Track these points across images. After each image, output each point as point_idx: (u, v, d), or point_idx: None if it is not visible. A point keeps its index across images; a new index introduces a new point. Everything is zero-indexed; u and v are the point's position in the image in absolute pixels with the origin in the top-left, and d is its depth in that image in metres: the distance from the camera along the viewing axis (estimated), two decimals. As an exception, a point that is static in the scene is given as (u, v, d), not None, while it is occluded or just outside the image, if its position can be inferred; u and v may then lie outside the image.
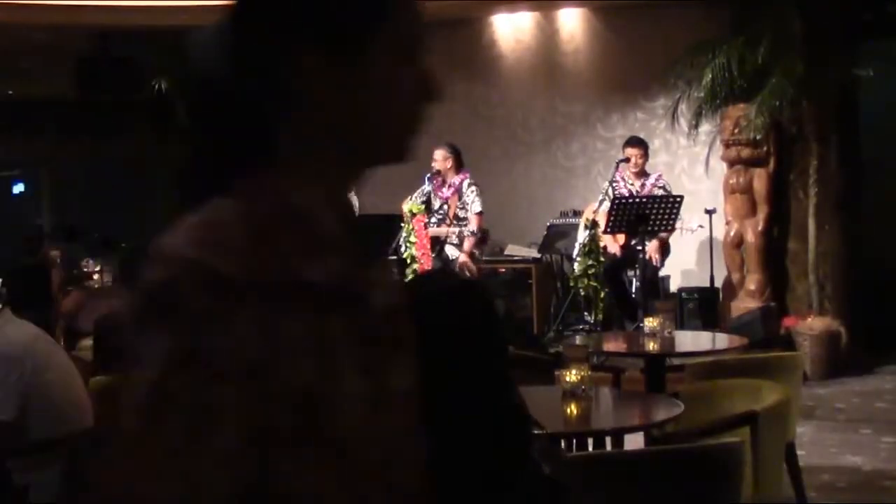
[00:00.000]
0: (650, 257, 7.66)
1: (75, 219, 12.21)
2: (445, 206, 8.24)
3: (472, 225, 8.08)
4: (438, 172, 8.20)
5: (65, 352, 3.81)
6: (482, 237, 8.32)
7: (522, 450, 1.45)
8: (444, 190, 8.24)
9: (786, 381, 4.16)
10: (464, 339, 1.49)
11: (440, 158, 8.18)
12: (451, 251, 8.17)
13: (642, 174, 8.13)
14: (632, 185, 8.10)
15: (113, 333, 4.56)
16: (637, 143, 8.18)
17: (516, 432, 1.46)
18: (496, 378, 1.49)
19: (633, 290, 8.10)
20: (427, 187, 8.18)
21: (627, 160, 8.08)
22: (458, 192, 8.22)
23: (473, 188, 8.17)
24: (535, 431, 1.58)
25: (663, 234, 7.79)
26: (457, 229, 8.12)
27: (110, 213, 12.83)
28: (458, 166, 8.30)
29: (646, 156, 8.16)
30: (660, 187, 8.01)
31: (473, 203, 8.14)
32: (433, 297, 1.50)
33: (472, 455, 1.41)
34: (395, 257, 8.03)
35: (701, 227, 8.01)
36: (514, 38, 9.80)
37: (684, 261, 8.65)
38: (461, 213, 8.21)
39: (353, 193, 8.60)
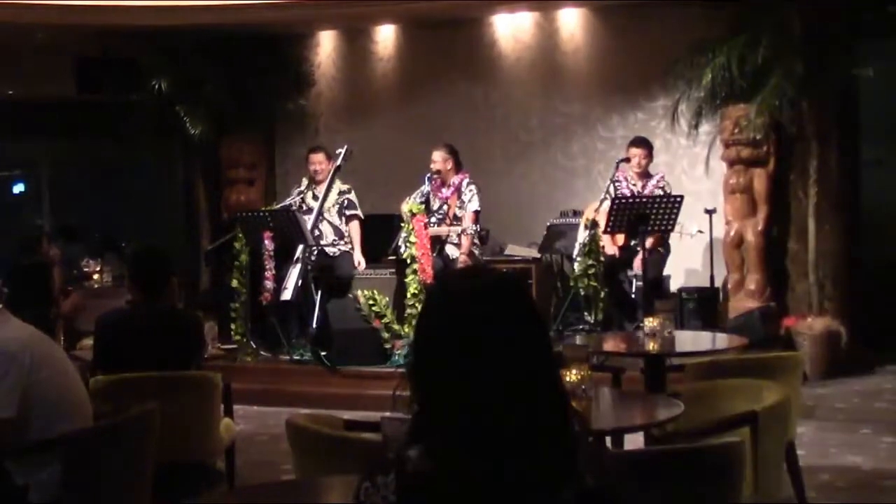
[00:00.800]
0: (650, 246, 7.62)
1: (75, 219, 12.21)
2: (445, 207, 8.24)
3: (466, 221, 8.07)
4: (438, 173, 8.21)
5: (62, 350, 3.80)
6: (482, 236, 8.32)
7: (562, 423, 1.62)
8: (444, 190, 8.24)
9: (786, 381, 4.17)
10: (509, 325, 1.62)
11: (439, 159, 8.19)
12: (451, 251, 8.18)
13: (645, 175, 8.12)
14: (634, 185, 8.09)
15: (113, 332, 4.55)
16: (641, 143, 8.16)
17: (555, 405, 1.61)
18: (538, 357, 1.63)
19: (633, 290, 8.09)
20: (426, 188, 8.17)
21: (628, 160, 8.07)
22: (458, 191, 8.23)
23: (472, 187, 8.19)
24: (581, 435, 1.66)
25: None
26: (458, 228, 8.13)
27: (110, 213, 12.83)
28: (458, 167, 8.31)
29: (650, 157, 8.14)
30: (660, 188, 8.00)
31: (471, 201, 8.14)
32: (478, 290, 1.64)
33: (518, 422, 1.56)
34: (394, 257, 8.04)
35: (700, 231, 7.95)
36: (514, 38, 9.79)
37: (684, 261, 8.64)
38: (459, 213, 8.21)
39: (351, 191, 8.63)
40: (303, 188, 8.44)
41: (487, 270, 1.77)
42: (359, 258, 8.28)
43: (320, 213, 8.26)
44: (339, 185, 8.41)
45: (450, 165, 8.22)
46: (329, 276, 8.25)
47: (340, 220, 8.37)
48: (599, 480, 1.62)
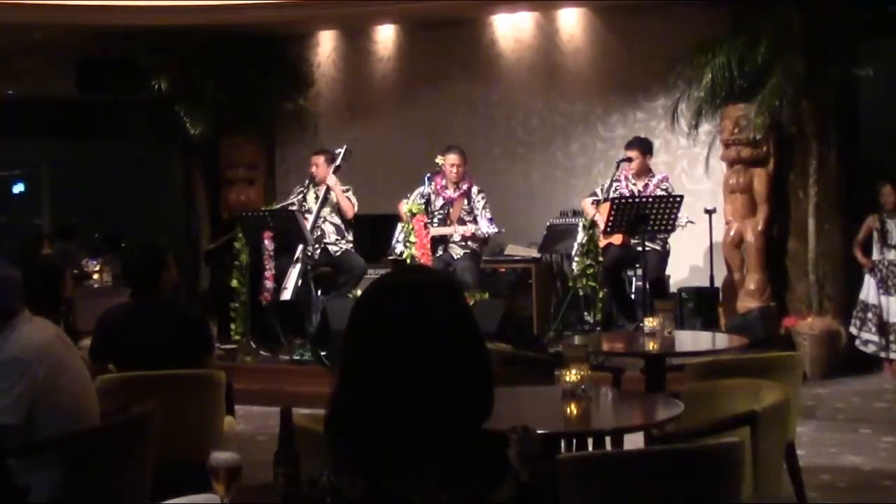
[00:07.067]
0: None
1: (75, 219, 12.21)
2: (448, 208, 8.12)
3: (482, 226, 7.93)
4: (440, 172, 8.12)
5: (79, 353, 3.80)
6: (484, 238, 8.27)
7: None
8: (450, 191, 8.11)
9: (786, 381, 4.16)
10: (434, 317, 1.64)
11: (459, 161, 8.00)
12: (454, 250, 8.08)
13: (643, 174, 8.00)
14: (634, 184, 8.02)
15: (113, 325, 4.58)
16: (631, 145, 8.04)
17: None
18: (469, 357, 1.65)
19: (633, 289, 8.07)
20: (426, 188, 8.11)
21: (629, 159, 8.01)
22: (468, 196, 8.11)
23: (483, 195, 8.08)
24: (518, 434, 1.66)
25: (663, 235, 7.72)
26: (462, 228, 7.99)
27: (110, 213, 12.83)
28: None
29: (642, 157, 7.99)
30: (662, 190, 7.89)
31: (484, 210, 8.01)
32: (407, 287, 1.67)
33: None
34: (392, 257, 8.03)
35: (691, 222, 7.79)
36: (514, 38, 9.79)
37: (684, 261, 8.64)
38: (467, 218, 8.09)
39: (350, 192, 8.56)
40: (303, 187, 8.44)
41: (429, 269, 1.80)
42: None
43: (319, 213, 8.26)
44: (340, 187, 8.42)
45: (467, 167, 8.13)
46: (336, 273, 8.26)
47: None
48: (534, 476, 1.63)
